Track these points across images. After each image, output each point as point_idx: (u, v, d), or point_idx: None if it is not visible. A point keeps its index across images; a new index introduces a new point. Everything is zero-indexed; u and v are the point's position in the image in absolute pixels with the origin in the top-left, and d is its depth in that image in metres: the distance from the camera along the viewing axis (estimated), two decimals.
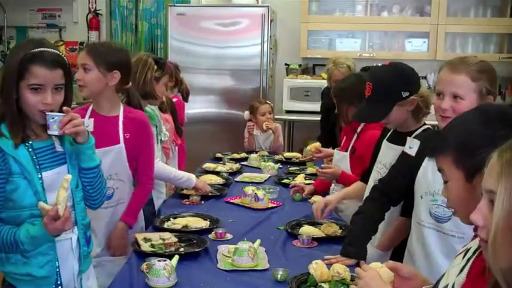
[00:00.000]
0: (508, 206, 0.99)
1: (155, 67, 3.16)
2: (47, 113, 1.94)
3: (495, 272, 1.00)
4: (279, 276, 2.04)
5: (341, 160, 3.27)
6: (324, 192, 3.32)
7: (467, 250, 1.31)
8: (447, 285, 1.27)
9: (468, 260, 1.27)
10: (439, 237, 2.05)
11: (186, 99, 4.11)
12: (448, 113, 1.99)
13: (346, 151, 3.23)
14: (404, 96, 2.35)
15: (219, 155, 4.50)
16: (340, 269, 1.97)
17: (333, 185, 3.34)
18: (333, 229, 2.58)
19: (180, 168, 3.73)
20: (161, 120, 3.41)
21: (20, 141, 1.91)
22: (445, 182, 1.44)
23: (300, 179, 3.63)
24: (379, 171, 2.56)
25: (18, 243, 1.88)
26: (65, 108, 1.96)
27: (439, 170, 1.45)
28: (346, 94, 3.17)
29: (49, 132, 1.96)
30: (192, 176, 3.27)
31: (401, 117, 2.41)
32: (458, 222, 1.84)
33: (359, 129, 3.17)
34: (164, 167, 3.18)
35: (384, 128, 2.71)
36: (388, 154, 2.52)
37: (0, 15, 6.78)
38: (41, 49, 1.90)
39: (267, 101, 4.90)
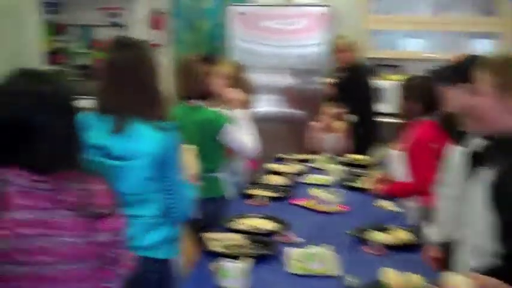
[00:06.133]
0: None
1: (200, 63, 3.11)
2: None
3: None
4: (351, 283, 2.01)
5: (397, 159, 3.24)
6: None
7: None
8: None
9: None
10: None
11: None
12: None
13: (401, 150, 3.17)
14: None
15: (282, 155, 4.43)
16: (413, 277, 1.94)
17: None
18: (404, 236, 2.54)
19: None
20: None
21: None
22: None
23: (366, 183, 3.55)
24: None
25: None
26: None
27: None
28: (414, 90, 3.14)
29: None
30: None
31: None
32: None
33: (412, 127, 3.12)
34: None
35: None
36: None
37: (67, 15, 6.93)
38: None
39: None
